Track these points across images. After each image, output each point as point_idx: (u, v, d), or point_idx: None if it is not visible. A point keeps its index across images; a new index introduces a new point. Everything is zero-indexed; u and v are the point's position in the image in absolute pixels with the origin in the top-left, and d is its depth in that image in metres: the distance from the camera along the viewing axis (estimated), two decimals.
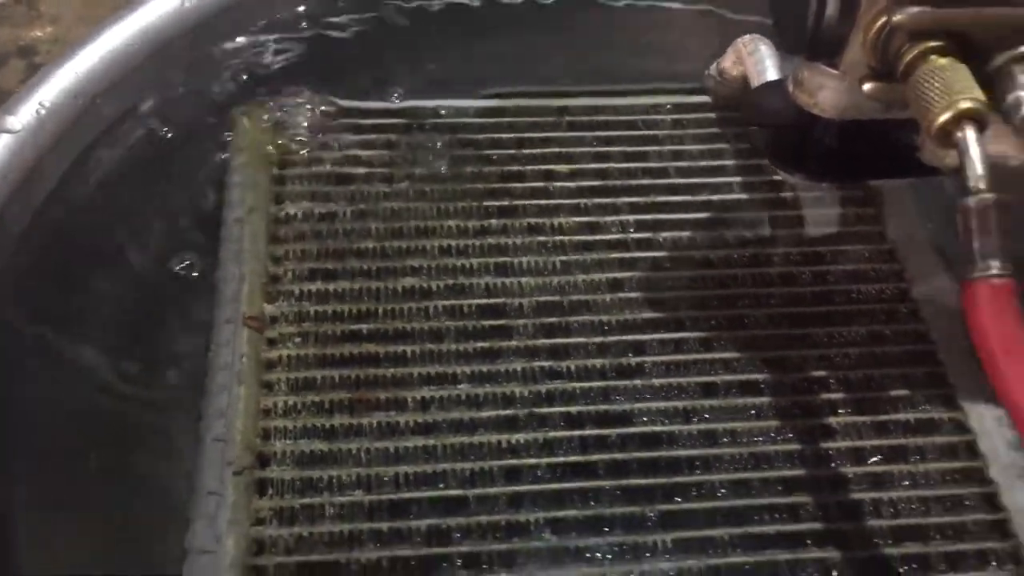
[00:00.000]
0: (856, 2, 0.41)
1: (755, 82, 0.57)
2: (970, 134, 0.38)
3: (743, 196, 0.59)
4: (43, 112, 0.54)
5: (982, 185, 0.37)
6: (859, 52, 0.42)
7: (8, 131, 0.53)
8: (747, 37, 0.60)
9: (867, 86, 0.43)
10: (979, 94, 0.38)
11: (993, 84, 0.40)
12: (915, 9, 0.40)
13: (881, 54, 0.42)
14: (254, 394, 0.48)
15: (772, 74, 0.57)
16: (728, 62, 0.62)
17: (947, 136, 0.38)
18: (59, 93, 0.56)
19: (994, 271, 0.37)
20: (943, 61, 0.39)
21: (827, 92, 0.46)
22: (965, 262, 0.37)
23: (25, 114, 0.54)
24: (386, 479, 0.46)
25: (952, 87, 0.38)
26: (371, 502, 0.46)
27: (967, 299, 0.37)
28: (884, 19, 0.41)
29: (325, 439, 0.47)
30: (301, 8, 0.65)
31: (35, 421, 0.49)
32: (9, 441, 0.48)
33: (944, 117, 0.38)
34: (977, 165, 0.37)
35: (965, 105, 0.38)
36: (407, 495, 0.46)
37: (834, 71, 0.45)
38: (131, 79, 0.59)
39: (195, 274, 0.54)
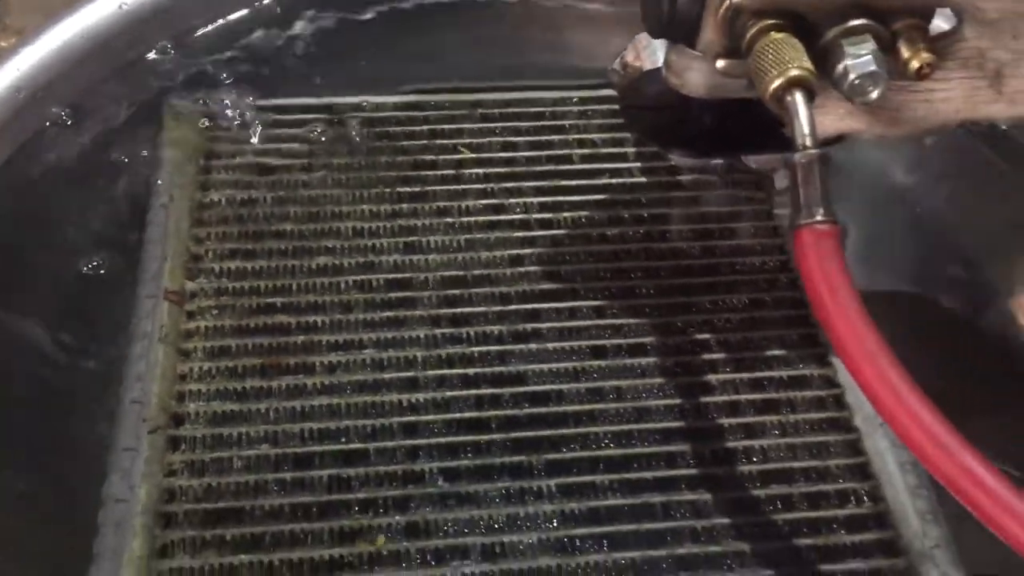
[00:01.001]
0: None
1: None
2: (798, 97, 0.42)
3: (641, 179, 0.63)
4: None
5: (808, 143, 0.42)
6: (711, 33, 0.47)
7: None
8: (644, 33, 0.65)
9: (720, 63, 0.47)
10: (807, 63, 0.42)
11: (826, 58, 0.44)
12: None
13: (729, 33, 0.46)
14: (171, 361, 0.52)
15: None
16: (630, 56, 0.66)
17: (780, 101, 0.42)
18: (3, 88, 0.60)
19: (818, 218, 0.41)
20: (779, 36, 0.44)
21: (693, 73, 0.50)
22: (793, 212, 0.42)
23: None
24: (292, 434, 0.50)
25: (783, 58, 0.42)
26: (277, 455, 0.49)
27: (796, 245, 0.41)
28: (729, 1, 0.45)
29: (237, 400, 0.51)
30: (233, 15, 0.69)
31: None
32: None
33: (776, 84, 0.42)
34: (804, 125, 0.42)
35: (794, 73, 0.42)
36: (311, 448, 0.49)
37: (697, 53, 0.49)
38: (70, 76, 0.63)
39: (125, 255, 0.58)
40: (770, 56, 0.43)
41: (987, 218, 0.64)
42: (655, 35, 0.50)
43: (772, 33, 0.44)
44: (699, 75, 0.50)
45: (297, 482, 0.48)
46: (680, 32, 0.48)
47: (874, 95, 0.44)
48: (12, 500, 0.49)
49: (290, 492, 0.48)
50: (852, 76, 0.43)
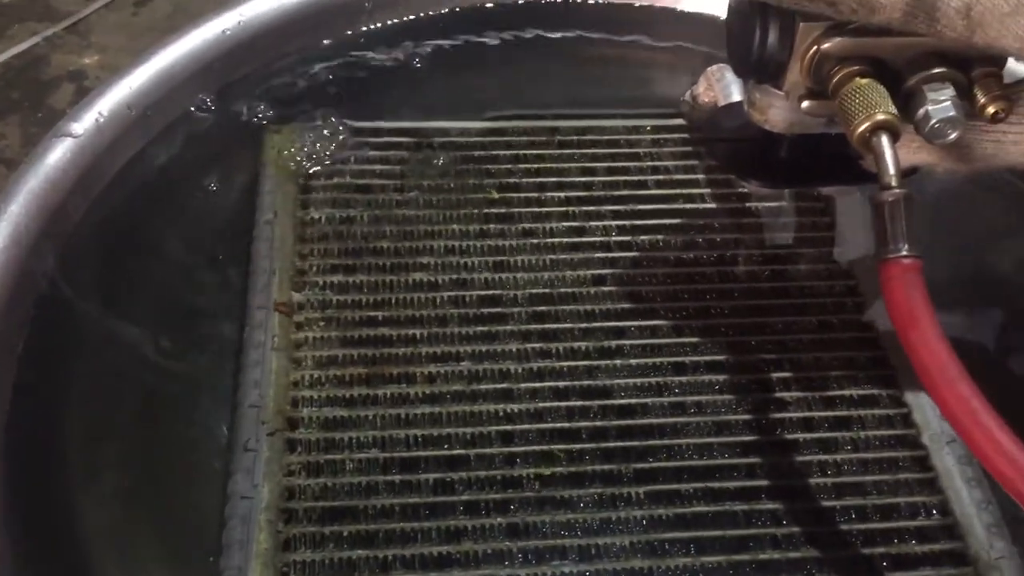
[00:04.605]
0: (792, 33, 0.49)
1: (722, 104, 0.65)
2: (884, 140, 0.45)
3: (713, 205, 0.67)
4: (101, 120, 0.63)
5: (893, 182, 0.45)
6: (797, 75, 0.50)
7: (72, 136, 0.61)
8: (715, 67, 0.69)
9: (805, 104, 0.51)
10: (892, 108, 0.46)
11: (908, 102, 0.48)
12: (841, 39, 0.48)
13: (815, 76, 0.49)
14: (284, 368, 0.56)
15: (736, 97, 0.65)
16: (701, 88, 0.70)
17: (866, 143, 0.46)
18: (115, 104, 0.65)
19: (904, 252, 0.44)
20: (864, 81, 0.47)
21: (775, 110, 0.54)
22: (879, 246, 0.45)
23: (87, 121, 0.63)
24: (398, 440, 0.54)
25: (870, 102, 0.46)
26: (385, 459, 0.53)
27: (882, 276, 0.45)
28: (816, 47, 0.49)
29: (346, 407, 0.55)
30: (327, 41, 0.74)
31: (85, 382, 0.57)
32: (63, 400, 0.56)
33: (863, 127, 0.46)
34: (889, 166, 0.45)
35: (880, 117, 0.46)
36: (417, 453, 0.53)
37: (780, 92, 0.53)
38: (176, 96, 0.68)
39: (223, 268, 0.62)
40: (857, 100, 0.46)
41: None
42: (741, 75, 0.54)
43: (857, 78, 0.48)
44: (781, 112, 0.54)
45: (405, 484, 0.52)
46: (767, 73, 0.51)
47: (952, 138, 0.47)
48: (132, 495, 0.53)
49: (399, 493, 0.52)
50: (933, 120, 0.46)
